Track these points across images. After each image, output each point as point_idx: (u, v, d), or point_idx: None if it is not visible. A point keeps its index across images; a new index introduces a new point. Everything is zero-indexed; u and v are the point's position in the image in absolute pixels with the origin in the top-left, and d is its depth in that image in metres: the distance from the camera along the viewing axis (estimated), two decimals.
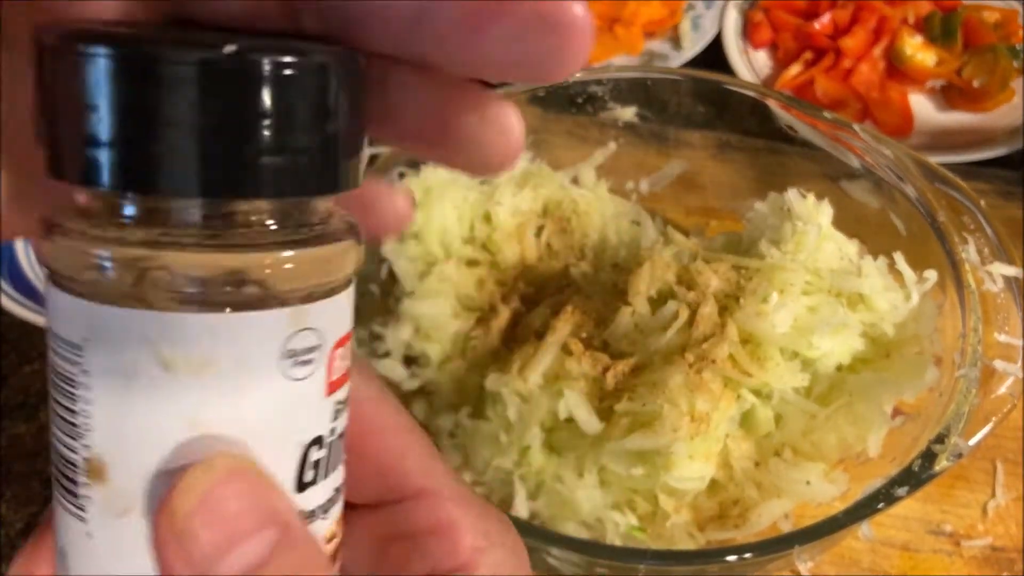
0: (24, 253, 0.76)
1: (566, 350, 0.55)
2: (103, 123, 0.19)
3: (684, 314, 0.55)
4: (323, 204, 0.23)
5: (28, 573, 0.25)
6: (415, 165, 0.62)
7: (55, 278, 0.21)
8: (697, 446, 0.52)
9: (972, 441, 0.48)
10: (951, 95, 0.87)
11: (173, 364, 0.21)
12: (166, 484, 0.21)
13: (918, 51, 0.86)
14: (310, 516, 0.23)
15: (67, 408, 0.21)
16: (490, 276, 0.63)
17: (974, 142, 0.82)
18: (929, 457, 0.47)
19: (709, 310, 0.55)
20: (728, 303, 0.56)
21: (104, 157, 0.20)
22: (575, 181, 0.69)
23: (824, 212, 0.59)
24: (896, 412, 0.53)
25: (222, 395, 0.21)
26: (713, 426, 0.52)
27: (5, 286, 0.70)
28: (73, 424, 0.21)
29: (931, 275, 0.55)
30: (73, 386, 0.21)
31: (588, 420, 0.53)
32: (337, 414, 0.24)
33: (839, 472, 0.53)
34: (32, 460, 0.69)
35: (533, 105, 0.66)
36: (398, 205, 0.28)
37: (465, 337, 0.60)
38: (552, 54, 0.20)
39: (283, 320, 0.21)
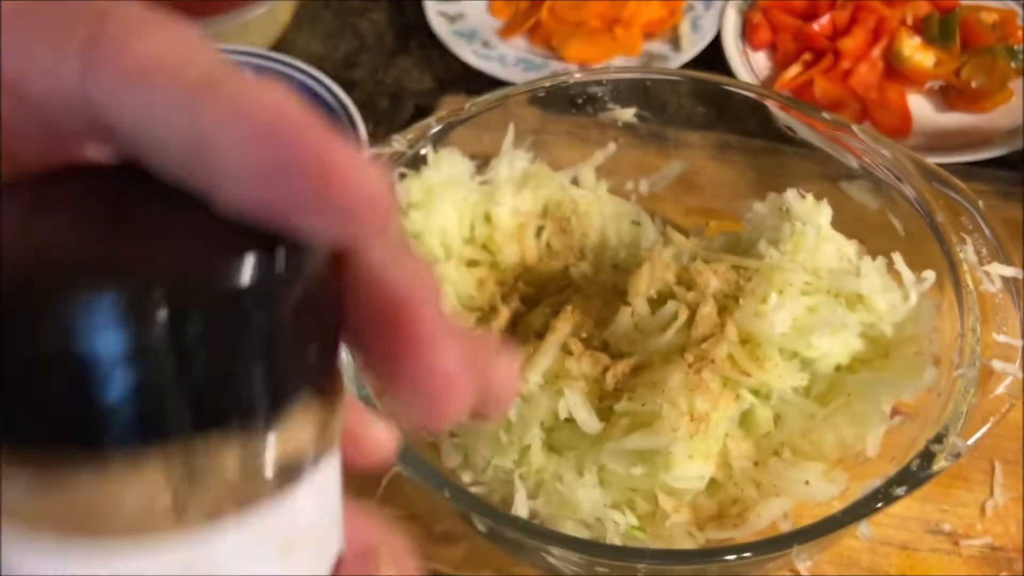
0: None
1: (566, 350, 0.56)
2: None
3: (683, 314, 0.56)
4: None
5: None
6: (416, 165, 0.62)
7: None
8: (696, 446, 0.52)
9: (970, 441, 0.48)
10: (949, 96, 0.87)
11: None
12: None
13: (916, 52, 0.87)
14: None
15: None
16: (490, 276, 0.63)
17: (972, 143, 0.82)
18: (927, 457, 0.47)
19: (708, 310, 0.55)
20: (727, 303, 0.57)
21: None
22: (575, 182, 0.69)
23: (823, 212, 0.59)
24: (895, 412, 0.54)
25: None
26: (712, 426, 0.52)
27: None
28: None
29: (929, 275, 0.55)
30: None
31: (588, 420, 0.53)
32: None
33: (838, 472, 0.53)
34: None
35: (533, 106, 0.66)
36: (379, 438, 0.25)
37: None
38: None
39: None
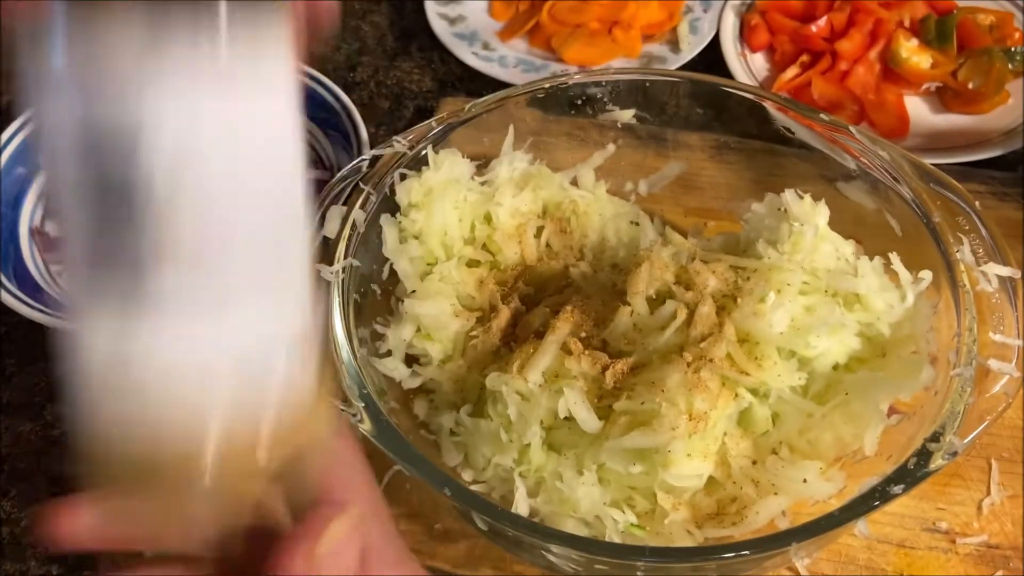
0: (29, 254, 0.77)
1: (566, 349, 0.56)
2: None
3: (682, 314, 0.56)
4: None
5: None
6: (416, 166, 0.62)
7: None
8: (695, 444, 0.52)
9: (967, 439, 0.48)
10: (946, 97, 0.88)
11: None
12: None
13: (914, 54, 0.87)
14: None
15: None
16: (490, 276, 0.63)
17: (969, 144, 0.83)
18: (924, 455, 0.48)
19: (707, 310, 0.56)
20: (726, 303, 0.57)
21: None
22: (575, 182, 0.69)
23: (821, 213, 0.59)
24: (892, 411, 0.54)
25: None
26: (711, 424, 0.53)
27: (10, 286, 0.71)
28: None
29: (926, 275, 0.56)
30: None
31: (587, 418, 0.54)
32: None
33: (836, 470, 0.53)
34: (37, 458, 0.69)
35: (533, 107, 0.66)
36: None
37: (466, 336, 0.61)
38: None
39: None
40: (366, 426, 0.50)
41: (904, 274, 0.56)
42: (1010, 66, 0.87)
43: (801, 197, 0.60)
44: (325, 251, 0.57)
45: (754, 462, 0.54)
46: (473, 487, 0.55)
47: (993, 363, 0.50)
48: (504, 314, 0.61)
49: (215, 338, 0.27)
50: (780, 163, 0.65)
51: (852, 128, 0.60)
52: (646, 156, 0.70)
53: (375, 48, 1.02)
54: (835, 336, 0.55)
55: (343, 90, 0.83)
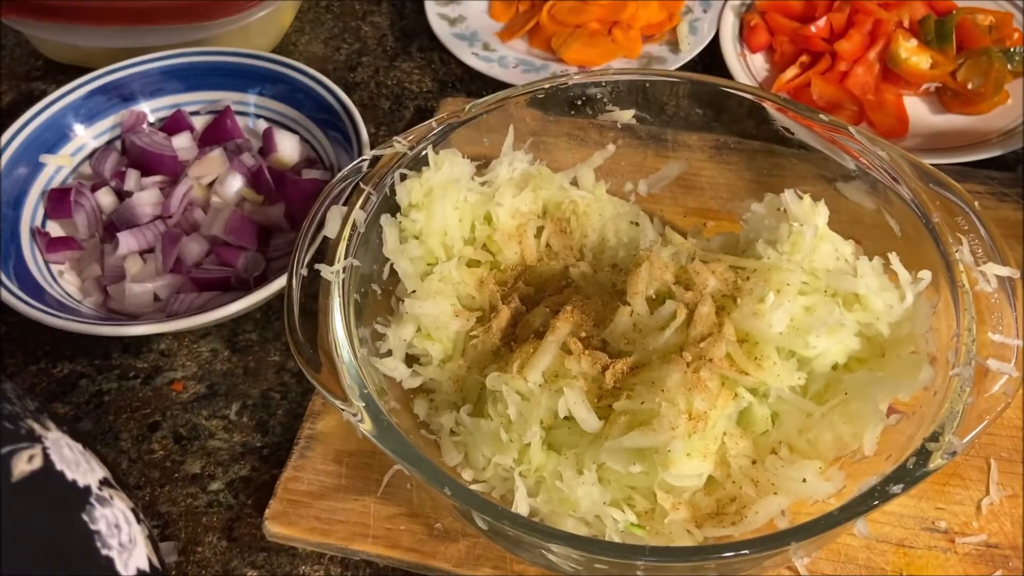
0: (30, 253, 0.77)
1: (565, 349, 0.56)
2: None
3: (682, 314, 0.56)
4: None
5: None
6: (417, 166, 0.62)
7: None
8: (695, 444, 0.52)
9: (966, 439, 0.48)
10: (946, 98, 0.88)
11: None
12: None
13: (913, 54, 0.87)
14: None
15: None
16: (490, 276, 0.64)
17: (968, 144, 0.83)
18: (924, 455, 0.48)
19: (707, 310, 0.56)
20: (725, 303, 0.57)
21: None
22: (575, 182, 0.70)
23: (820, 213, 0.59)
24: (891, 410, 0.54)
25: None
26: (710, 424, 0.53)
27: (11, 285, 0.71)
28: None
29: (926, 275, 0.56)
30: None
31: (587, 418, 0.54)
32: None
33: (835, 470, 0.54)
34: None
35: (533, 107, 0.66)
36: None
37: (466, 336, 0.61)
38: None
39: None
40: (366, 426, 0.50)
41: (903, 274, 0.56)
42: (1009, 66, 0.87)
43: (800, 197, 0.60)
44: (325, 251, 0.57)
45: (754, 462, 0.54)
46: (473, 487, 0.55)
47: (992, 363, 0.50)
48: (504, 314, 0.61)
49: None
50: (780, 163, 0.65)
51: (851, 128, 0.61)
52: (646, 156, 0.70)
53: (375, 49, 1.02)
54: (834, 336, 0.55)
55: (343, 90, 0.83)
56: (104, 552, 0.41)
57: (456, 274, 0.62)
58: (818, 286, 0.57)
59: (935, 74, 0.87)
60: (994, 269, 0.53)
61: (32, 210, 0.79)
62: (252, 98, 0.87)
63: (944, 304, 0.55)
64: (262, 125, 0.86)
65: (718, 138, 0.68)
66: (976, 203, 0.56)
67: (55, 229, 0.80)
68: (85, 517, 0.41)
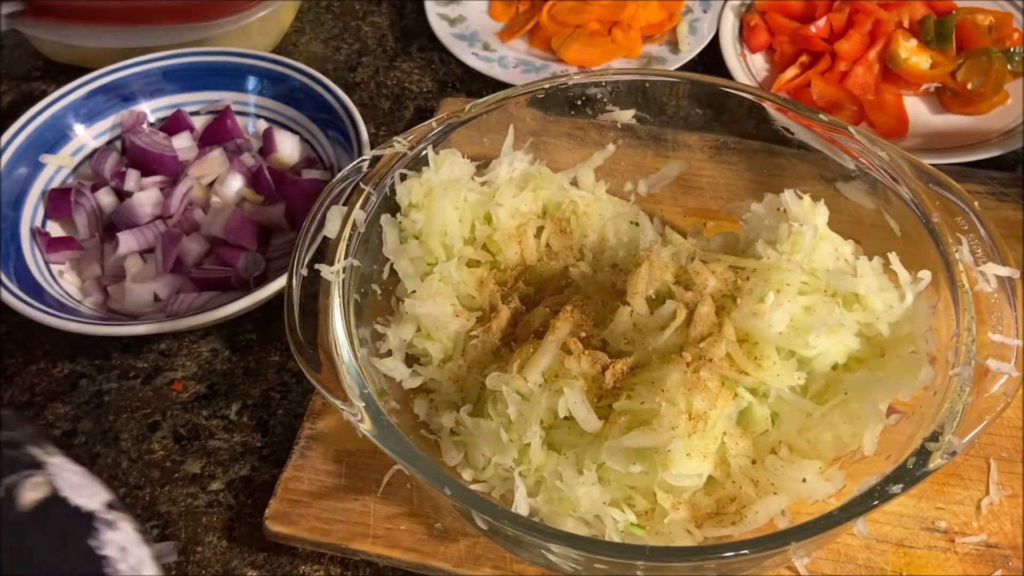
0: (31, 254, 0.77)
1: (565, 349, 0.56)
2: None
3: (682, 314, 0.56)
4: None
5: None
6: (417, 166, 0.62)
7: None
8: (695, 444, 0.52)
9: (966, 439, 0.48)
10: (945, 98, 0.88)
11: None
12: None
13: (913, 54, 0.87)
14: None
15: None
16: (490, 276, 0.64)
17: (968, 144, 0.83)
18: (923, 455, 0.48)
19: (707, 310, 0.56)
20: (725, 303, 0.57)
21: None
22: (574, 182, 0.70)
23: (820, 213, 0.59)
24: (891, 410, 0.54)
25: None
26: (710, 424, 0.53)
27: (11, 285, 0.71)
28: None
29: (925, 275, 0.56)
30: None
31: (587, 418, 0.54)
32: None
33: (835, 469, 0.54)
34: None
35: (533, 107, 0.66)
36: None
37: (466, 336, 0.61)
38: None
39: None
40: (367, 426, 0.50)
41: (903, 274, 0.56)
42: (1009, 66, 0.87)
43: (800, 197, 0.60)
44: (325, 251, 0.57)
45: (753, 461, 0.54)
46: (473, 486, 0.55)
47: (992, 363, 0.50)
48: (504, 314, 0.61)
49: None
50: (779, 163, 0.65)
51: (851, 128, 0.61)
52: (646, 156, 0.70)
53: (375, 49, 1.02)
54: (834, 336, 0.55)
55: (344, 91, 0.83)
56: None
57: (456, 274, 0.62)
58: (818, 286, 0.57)
59: (935, 74, 0.87)
60: (994, 269, 0.53)
61: (32, 210, 0.79)
62: (252, 98, 0.87)
63: (944, 304, 0.55)
64: (262, 125, 0.86)
65: (718, 138, 0.68)
66: (976, 203, 0.56)
67: (55, 229, 0.80)
68: (93, 543, 0.40)
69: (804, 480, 0.52)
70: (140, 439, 0.70)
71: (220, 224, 0.76)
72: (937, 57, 0.87)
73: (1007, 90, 0.87)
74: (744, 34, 0.94)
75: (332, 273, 0.56)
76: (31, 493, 0.38)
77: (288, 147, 0.84)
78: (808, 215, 0.59)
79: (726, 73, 0.91)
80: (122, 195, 0.80)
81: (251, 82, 0.87)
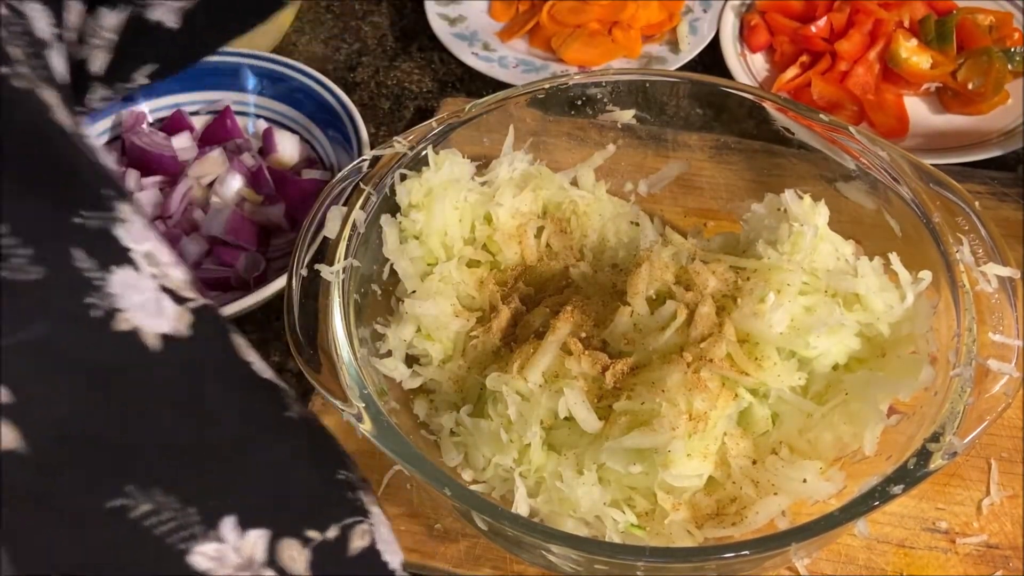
0: None
1: (566, 349, 0.56)
2: None
3: (682, 314, 0.56)
4: None
5: None
6: (417, 166, 0.62)
7: None
8: (695, 444, 0.52)
9: (967, 439, 0.48)
10: (946, 98, 0.88)
11: None
12: None
13: (913, 54, 0.87)
14: None
15: None
16: (490, 276, 0.64)
17: (969, 144, 0.83)
18: (924, 455, 0.48)
19: (707, 310, 0.56)
20: (726, 303, 0.57)
21: None
22: (575, 182, 0.69)
23: (820, 213, 0.59)
24: (891, 411, 0.54)
25: None
26: (711, 424, 0.53)
27: None
28: None
29: (926, 275, 0.56)
30: None
31: (587, 418, 0.54)
32: None
33: (835, 470, 0.53)
34: None
35: (533, 107, 0.66)
36: None
37: (466, 336, 0.61)
38: None
39: None
40: (366, 426, 0.50)
41: (904, 274, 0.56)
42: (1009, 66, 0.87)
43: (801, 197, 0.60)
44: (325, 251, 0.57)
45: (754, 462, 0.54)
46: (473, 487, 0.55)
47: (993, 363, 0.50)
48: (504, 314, 0.61)
49: None
50: (780, 163, 0.65)
51: (852, 128, 0.60)
52: (646, 156, 0.70)
53: (375, 48, 1.02)
54: (835, 336, 0.55)
55: (343, 90, 0.83)
56: None
57: (456, 274, 0.62)
58: (818, 286, 0.57)
59: (935, 74, 0.87)
60: (994, 269, 0.53)
61: None
62: (252, 98, 0.87)
63: (944, 304, 0.55)
64: (262, 125, 0.86)
65: (718, 138, 0.68)
66: (976, 203, 0.56)
67: None
68: None
69: (805, 480, 0.52)
70: None
71: (220, 224, 0.76)
72: (937, 57, 0.87)
73: (1008, 90, 0.87)
74: (744, 34, 0.94)
75: (332, 273, 0.56)
76: (358, 541, 0.37)
77: (288, 147, 0.84)
78: (808, 215, 0.59)
79: (726, 73, 0.91)
80: None
81: (251, 82, 0.86)
